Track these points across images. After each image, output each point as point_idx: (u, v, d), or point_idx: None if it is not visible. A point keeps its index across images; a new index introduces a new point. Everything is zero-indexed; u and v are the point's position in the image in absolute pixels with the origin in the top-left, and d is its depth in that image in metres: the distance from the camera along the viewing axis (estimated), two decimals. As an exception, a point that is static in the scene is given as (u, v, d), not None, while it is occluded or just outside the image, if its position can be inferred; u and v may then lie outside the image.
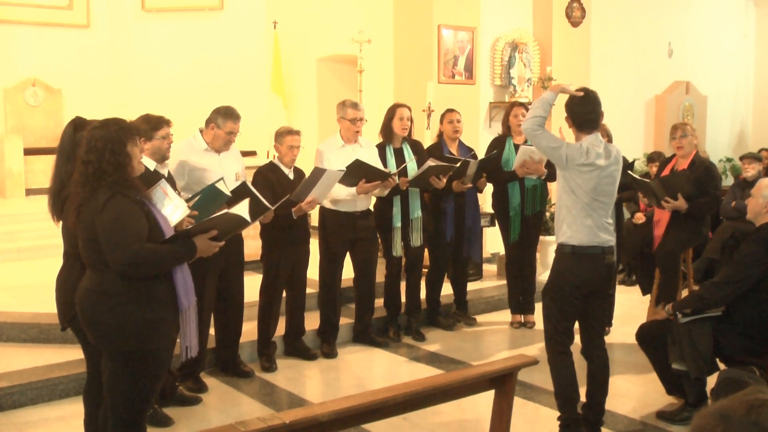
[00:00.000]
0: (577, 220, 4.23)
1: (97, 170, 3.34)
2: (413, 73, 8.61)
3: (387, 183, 5.95)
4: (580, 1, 9.38)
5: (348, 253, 6.21)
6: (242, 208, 3.74)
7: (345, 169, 5.66)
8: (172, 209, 3.90)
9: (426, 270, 6.96)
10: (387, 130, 6.38)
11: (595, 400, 4.45)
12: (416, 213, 6.42)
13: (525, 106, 6.79)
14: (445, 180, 6.26)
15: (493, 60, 9.22)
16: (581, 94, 4.32)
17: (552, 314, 4.38)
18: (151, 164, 4.67)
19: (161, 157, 4.83)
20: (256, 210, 4.56)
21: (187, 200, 4.35)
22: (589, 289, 4.31)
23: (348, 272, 6.27)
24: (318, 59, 10.89)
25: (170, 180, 4.84)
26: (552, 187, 6.71)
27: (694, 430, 1.39)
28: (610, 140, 6.34)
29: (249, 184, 5.18)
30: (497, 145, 6.77)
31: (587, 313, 4.40)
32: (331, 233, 6.06)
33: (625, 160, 6.67)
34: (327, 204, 5.96)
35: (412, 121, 6.45)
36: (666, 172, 6.36)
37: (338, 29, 9.92)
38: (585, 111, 4.25)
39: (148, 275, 3.39)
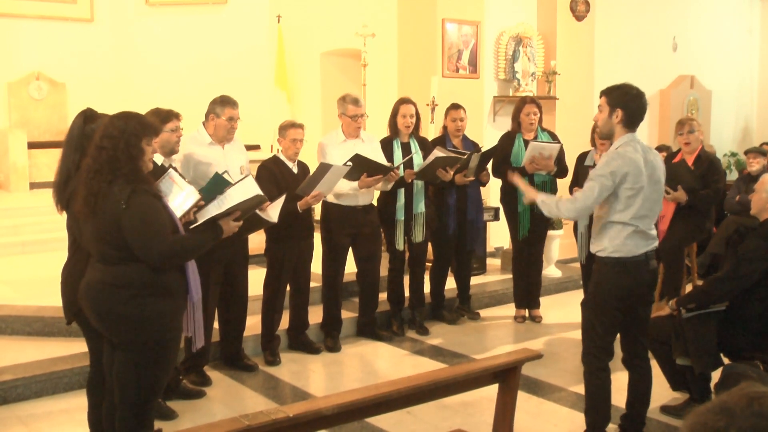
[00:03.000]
0: (621, 235, 3.99)
1: (112, 158, 3.38)
2: (417, 67, 8.59)
3: (389, 177, 5.95)
4: (584, -5, 9.35)
5: (351, 248, 6.21)
6: (250, 184, 3.87)
7: (351, 163, 5.65)
8: (183, 197, 3.94)
9: (429, 264, 6.96)
10: (393, 126, 6.38)
11: (635, 411, 4.28)
12: (420, 208, 6.41)
13: (536, 102, 6.73)
14: (452, 172, 6.24)
15: (497, 54, 9.20)
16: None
17: (593, 329, 4.13)
18: (159, 158, 4.68)
19: (170, 151, 4.85)
20: (258, 221, 4.63)
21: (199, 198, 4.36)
22: (633, 299, 4.09)
23: (352, 266, 6.28)
24: (322, 53, 10.88)
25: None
26: (560, 183, 6.70)
27: (695, 427, 1.38)
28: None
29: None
30: (507, 140, 6.75)
31: (630, 322, 4.16)
32: (334, 227, 6.05)
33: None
34: (329, 198, 5.96)
35: (418, 117, 6.43)
36: (672, 166, 6.35)
37: (342, 23, 9.91)
38: (642, 106, 4.09)
39: (179, 264, 3.52)
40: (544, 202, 4.23)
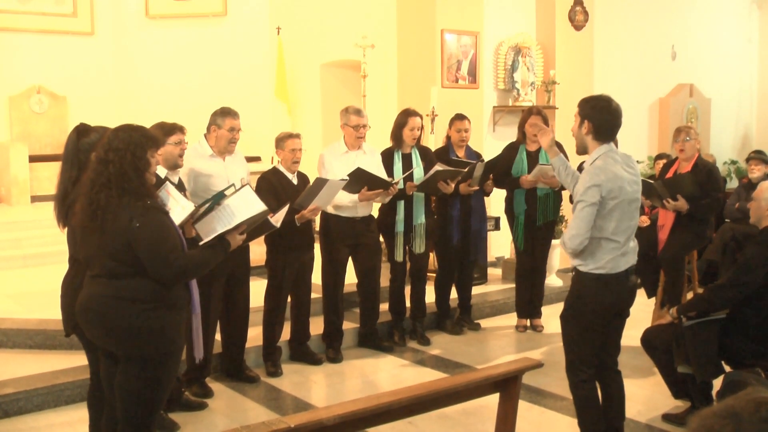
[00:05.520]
0: (603, 251, 3.91)
1: (120, 171, 3.36)
2: (417, 78, 8.62)
3: (389, 191, 5.96)
4: (583, 5, 9.38)
5: (351, 260, 6.21)
6: (249, 197, 3.89)
7: (347, 177, 5.66)
8: (179, 210, 3.96)
9: (431, 275, 6.97)
10: (397, 137, 6.38)
11: (613, 425, 4.19)
12: (420, 219, 6.42)
13: (542, 114, 6.70)
14: (453, 185, 6.26)
15: (496, 64, 9.23)
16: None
17: (574, 342, 4.08)
18: (162, 171, 4.69)
19: (173, 164, 4.85)
20: (262, 226, 4.63)
21: (198, 206, 4.37)
22: (612, 313, 4.05)
23: (352, 277, 6.28)
24: (322, 65, 10.91)
25: (181, 187, 4.86)
26: (565, 195, 6.70)
27: (701, 431, 1.38)
28: (616, 146, 6.33)
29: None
30: (510, 151, 6.77)
31: (605, 335, 4.12)
32: (333, 238, 6.07)
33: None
34: (329, 209, 5.98)
35: (422, 129, 6.46)
36: (669, 174, 6.36)
37: (342, 34, 9.94)
38: (611, 118, 3.95)
39: (190, 280, 3.58)
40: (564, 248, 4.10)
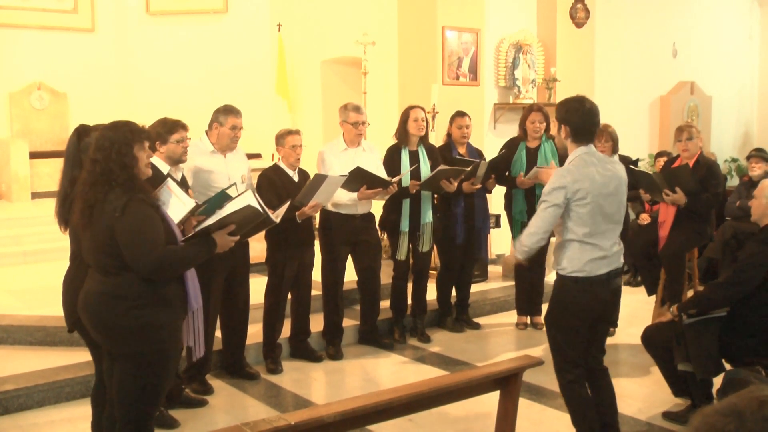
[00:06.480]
0: (579, 254, 3.92)
1: (105, 169, 3.37)
2: (417, 75, 8.61)
3: (388, 190, 5.96)
4: (584, 2, 9.37)
5: (351, 257, 6.21)
6: (248, 198, 3.80)
7: (347, 174, 5.66)
8: (180, 207, 3.94)
9: (435, 272, 6.96)
10: (403, 133, 6.37)
11: (607, 421, 4.18)
12: (427, 218, 6.40)
13: (543, 111, 6.71)
14: (456, 183, 6.26)
15: (497, 61, 9.22)
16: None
17: (559, 345, 4.10)
18: (164, 168, 4.69)
19: (176, 161, 4.84)
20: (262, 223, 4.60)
21: (198, 206, 4.35)
22: (593, 317, 4.04)
23: (353, 275, 6.28)
24: (322, 61, 10.90)
25: (184, 184, 4.85)
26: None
27: (702, 428, 1.38)
28: (616, 145, 6.32)
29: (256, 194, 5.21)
30: (510, 146, 6.77)
31: (588, 337, 4.09)
32: (333, 235, 6.06)
33: (628, 158, 6.69)
34: (329, 206, 5.97)
35: (427, 121, 6.45)
36: (671, 171, 6.36)
37: (342, 31, 9.93)
38: (586, 119, 3.97)
39: (171, 277, 3.46)
40: (516, 246, 4.15)
